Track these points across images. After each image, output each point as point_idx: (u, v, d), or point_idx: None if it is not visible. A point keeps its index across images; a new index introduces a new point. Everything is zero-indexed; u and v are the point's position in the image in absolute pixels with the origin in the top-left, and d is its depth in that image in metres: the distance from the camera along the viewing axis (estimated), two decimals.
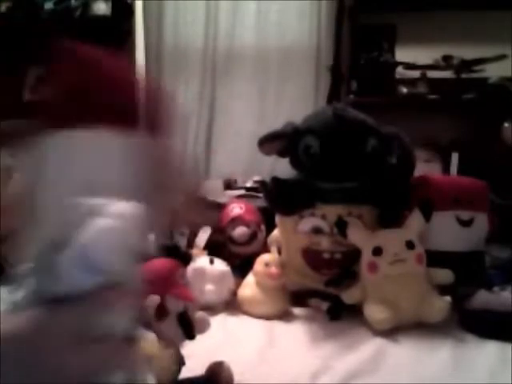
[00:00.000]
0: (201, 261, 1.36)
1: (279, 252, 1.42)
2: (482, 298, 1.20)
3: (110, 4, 2.72)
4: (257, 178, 2.40)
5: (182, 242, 1.51)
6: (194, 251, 1.43)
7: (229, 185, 2.56)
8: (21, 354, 0.45)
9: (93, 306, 0.48)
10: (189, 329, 0.87)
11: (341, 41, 2.68)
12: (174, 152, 0.66)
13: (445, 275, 1.26)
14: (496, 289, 1.23)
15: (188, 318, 0.88)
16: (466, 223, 1.34)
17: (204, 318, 0.92)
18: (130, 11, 2.83)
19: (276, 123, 1.43)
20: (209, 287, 1.31)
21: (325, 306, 1.30)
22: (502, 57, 2.39)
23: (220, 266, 1.36)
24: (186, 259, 1.34)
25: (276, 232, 1.48)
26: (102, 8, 2.72)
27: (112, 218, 0.49)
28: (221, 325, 1.21)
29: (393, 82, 2.59)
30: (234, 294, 1.36)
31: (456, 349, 1.10)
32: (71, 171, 0.55)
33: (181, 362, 0.88)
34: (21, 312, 0.47)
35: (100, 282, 0.47)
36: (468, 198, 1.35)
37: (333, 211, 1.30)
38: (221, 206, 1.66)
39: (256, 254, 1.38)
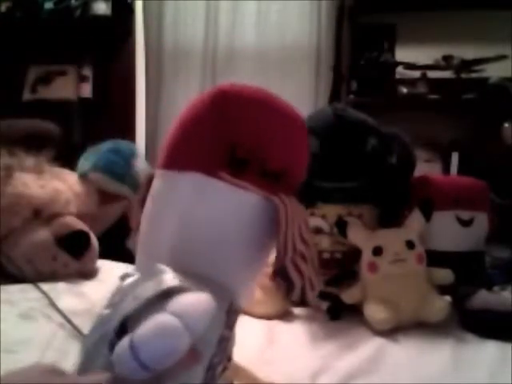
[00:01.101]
0: None
1: None
2: (482, 298, 1.20)
3: (109, 4, 2.72)
4: None
5: None
6: None
7: None
8: None
9: None
10: None
11: (341, 41, 2.69)
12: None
13: (445, 275, 1.26)
14: (496, 289, 1.23)
15: None
16: (466, 223, 1.34)
17: None
18: (130, 11, 2.84)
19: None
20: None
21: (325, 305, 1.30)
22: (502, 57, 2.39)
23: None
24: None
25: None
26: (101, 8, 2.73)
27: (174, 315, 0.47)
28: None
29: (393, 82, 2.60)
30: None
31: (456, 349, 1.10)
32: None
33: None
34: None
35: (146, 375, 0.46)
36: (468, 198, 1.35)
37: (333, 211, 1.30)
38: None
39: None
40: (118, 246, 1.37)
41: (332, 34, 2.70)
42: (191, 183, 0.57)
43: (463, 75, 2.49)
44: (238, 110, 0.60)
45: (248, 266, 0.61)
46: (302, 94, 2.75)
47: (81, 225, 1.28)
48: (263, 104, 0.61)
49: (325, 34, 2.71)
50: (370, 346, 1.11)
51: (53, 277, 1.22)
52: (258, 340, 1.15)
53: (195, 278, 0.52)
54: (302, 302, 0.68)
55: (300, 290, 0.64)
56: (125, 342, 0.46)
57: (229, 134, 0.59)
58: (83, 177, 1.38)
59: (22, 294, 1.12)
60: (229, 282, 0.58)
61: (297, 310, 1.33)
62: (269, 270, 1.31)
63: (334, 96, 2.65)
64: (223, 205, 0.58)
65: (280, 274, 0.62)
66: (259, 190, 0.59)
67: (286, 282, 0.62)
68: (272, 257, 1.35)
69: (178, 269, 0.53)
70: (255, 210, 0.60)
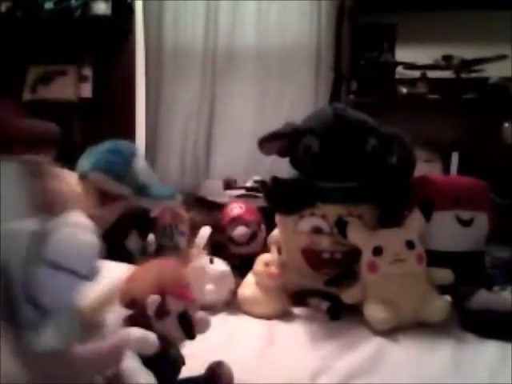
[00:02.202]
0: (201, 261, 1.36)
1: (279, 252, 1.42)
2: (482, 298, 1.20)
3: (109, 4, 2.72)
4: (257, 178, 2.41)
5: (182, 242, 1.51)
6: (194, 251, 1.43)
7: (229, 185, 2.56)
8: None
9: None
10: (189, 329, 0.88)
11: (341, 41, 2.68)
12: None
13: (445, 275, 1.26)
14: (496, 289, 1.23)
15: (188, 318, 0.88)
16: (466, 223, 1.34)
17: (204, 317, 0.92)
18: (130, 11, 2.83)
19: (276, 123, 1.43)
20: (209, 287, 1.31)
21: (325, 305, 1.30)
22: (502, 57, 2.39)
23: (220, 265, 1.36)
24: (185, 259, 1.35)
25: (276, 232, 1.48)
26: (101, 8, 2.72)
27: (70, 227, 0.49)
28: (221, 325, 1.21)
29: (393, 82, 2.59)
30: (234, 293, 1.36)
31: (456, 349, 1.10)
32: None
33: (181, 361, 0.88)
34: None
35: (77, 283, 0.47)
36: (468, 198, 1.35)
37: (333, 211, 1.30)
38: (221, 206, 1.66)
39: (256, 254, 1.39)
40: (117, 246, 1.37)
41: (332, 34, 2.69)
42: None
43: (463, 75, 2.49)
44: None
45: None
46: (301, 94, 2.74)
47: None
48: None
49: (325, 33, 2.71)
50: (369, 345, 1.11)
51: None
52: (258, 340, 1.15)
53: None
54: None
55: None
56: (40, 265, 0.47)
57: None
58: (83, 177, 1.38)
59: None
60: None
61: (297, 310, 1.34)
62: (269, 269, 1.31)
63: (334, 96, 2.65)
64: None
65: None
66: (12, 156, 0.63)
67: None
68: (265, 256, 1.35)
69: None
70: (18, 176, 0.62)
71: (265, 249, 1.47)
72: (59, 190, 0.69)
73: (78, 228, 0.50)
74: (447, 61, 2.49)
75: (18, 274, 0.47)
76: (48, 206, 0.66)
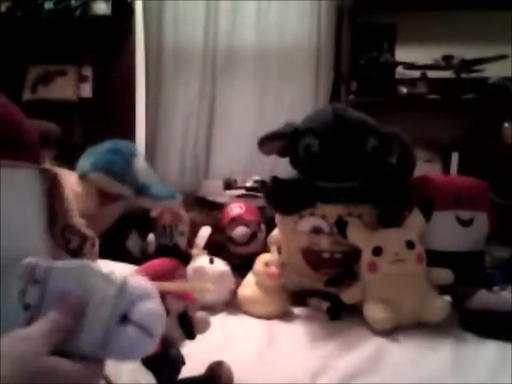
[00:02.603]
0: (201, 261, 1.36)
1: (279, 252, 1.42)
2: (482, 298, 1.20)
3: (109, 4, 2.72)
4: (257, 178, 2.41)
5: (182, 242, 1.51)
6: (194, 251, 1.43)
7: (229, 185, 2.56)
8: None
9: None
10: (189, 329, 0.87)
11: (341, 41, 2.69)
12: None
13: (445, 275, 1.26)
14: (496, 289, 1.23)
15: (188, 318, 0.88)
16: (466, 223, 1.34)
17: (204, 317, 0.92)
18: (130, 11, 2.83)
19: (276, 123, 1.43)
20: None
21: (325, 305, 1.30)
22: (502, 57, 2.39)
23: (220, 265, 1.36)
24: (185, 259, 1.34)
25: (276, 232, 1.48)
26: (101, 8, 2.73)
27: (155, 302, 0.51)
28: (221, 325, 1.21)
29: (393, 82, 2.60)
30: (234, 293, 1.36)
31: (456, 349, 1.10)
32: None
33: (181, 361, 0.88)
34: None
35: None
36: (468, 198, 1.35)
37: (333, 211, 1.30)
38: (221, 206, 1.66)
39: (256, 254, 1.38)
40: (117, 246, 1.37)
41: (332, 34, 2.70)
42: None
43: (463, 75, 2.49)
44: None
45: (40, 237, 0.63)
46: (301, 94, 2.75)
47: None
48: None
49: (325, 33, 2.71)
50: (369, 345, 1.11)
51: None
52: (258, 340, 1.15)
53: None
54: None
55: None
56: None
57: None
58: (83, 177, 1.38)
59: None
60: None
61: (297, 310, 1.34)
62: (269, 269, 1.31)
63: (334, 96, 2.65)
64: (11, 189, 0.58)
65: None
66: (31, 164, 0.62)
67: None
68: (265, 256, 1.35)
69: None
70: (36, 185, 0.63)
71: (265, 249, 1.47)
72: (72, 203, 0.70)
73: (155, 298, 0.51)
74: (447, 61, 2.49)
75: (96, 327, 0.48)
76: (60, 217, 0.66)
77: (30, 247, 0.55)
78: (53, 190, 0.65)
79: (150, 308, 0.50)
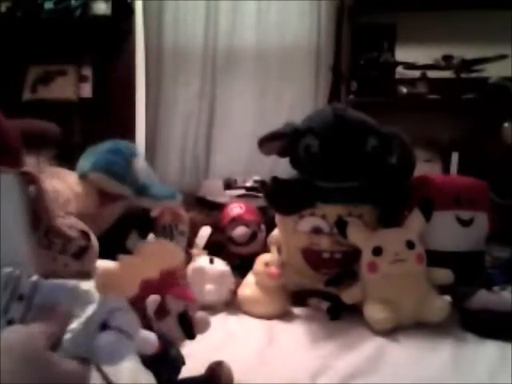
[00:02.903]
0: (201, 261, 1.36)
1: (279, 252, 1.42)
2: (482, 298, 1.20)
3: (109, 4, 2.72)
4: (257, 178, 2.41)
5: (182, 242, 1.51)
6: (194, 251, 1.43)
7: (229, 185, 2.57)
8: None
9: None
10: (189, 329, 0.87)
11: (341, 41, 2.69)
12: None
13: (445, 275, 1.26)
14: (496, 289, 1.23)
15: (188, 318, 0.88)
16: (466, 223, 1.34)
17: (204, 317, 0.92)
18: (130, 11, 2.84)
19: (276, 123, 1.43)
20: (209, 287, 1.31)
21: (325, 305, 1.30)
22: (502, 57, 2.39)
23: (220, 265, 1.36)
24: (185, 259, 1.34)
25: (276, 232, 1.48)
26: (101, 8, 2.73)
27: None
28: (221, 325, 1.21)
29: (393, 82, 2.60)
30: (234, 293, 1.36)
31: (456, 349, 1.10)
32: None
33: (181, 361, 0.88)
34: None
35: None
36: (468, 198, 1.35)
37: (333, 211, 1.30)
38: (221, 206, 1.66)
39: (256, 254, 1.38)
40: (117, 246, 1.37)
41: (332, 34, 2.70)
42: None
43: (463, 75, 2.50)
44: None
45: (23, 241, 0.64)
46: (301, 93, 2.75)
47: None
48: None
49: (325, 33, 2.71)
50: (369, 345, 1.11)
51: (53, 277, 1.22)
52: (258, 340, 1.15)
53: None
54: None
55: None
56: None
57: None
58: (83, 177, 1.38)
59: None
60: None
61: (297, 310, 1.34)
62: (269, 269, 1.31)
63: (334, 96, 2.65)
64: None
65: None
66: (11, 168, 0.63)
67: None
68: (265, 256, 1.35)
69: None
70: (17, 188, 0.63)
71: (265, 249, 1.46)
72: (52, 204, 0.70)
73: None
74: (447, 61, 2.49)
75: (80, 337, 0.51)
76: (43, 219, 0.67)
77: (13, 250, 0.55)
78: (35, 193, 0.65)
79: (128, 315, 0.54)
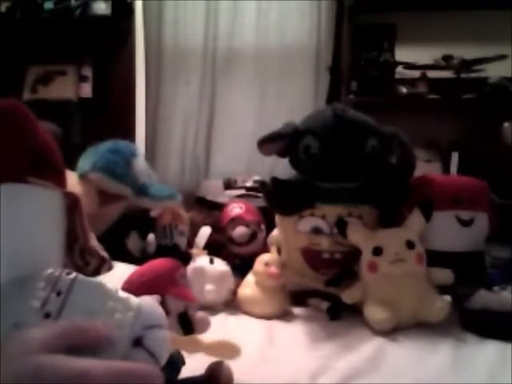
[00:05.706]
0: (201, 261, 1.36)
1: (279, 252, 1.42)
2: (482, 298, 1.20)
3: (109, 4, 2.73)
4: (257, 178, 2.41)
5: (182, 242, 1.51)
6: (194, 251, 1.43)
7: (229, 185, 2.57)
8: None
9: None
10: (189, 329, 0.87)
11: (341, 41, 2.69)
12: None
13: (445, 275, 1.26)
14: (496, 289, 1.23)
15: (188, 318, 0.88)
16: (467, 223, 1.34)
17: (204, 317, 0.91)
18: (129, 11, 2.84)
19: (276, 123, 1.43)
20: (209, 287, 1.31)
21: (325, 305, 1.30)
22: (502, 57, 2.39)
23: (220, 265, 1.36)
24: (185, 259, 1.34)
25: (276, 232, 1.48)
26: (101, 8, 2.73)
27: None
28: (221, 325, 1.21)
29: (393, 82, 2.60)
30: (234, 293, 1.36)
31: (456, 349, 1.10)
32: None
33: (181, 361, 0.88)
34: None
35: None
36: (468, 198, 1.35)
37: (333, 211, 1.30)
38: (221, 206, 1.66)
39: (256, 254, 1.38)
40: (117, 246, 1.37)
41: (332, 34, 2.70)
42: (5, 194, 0.58)
43: (463, 75, 2.50)
44: (25, 121, 0.70)
45: (60, 255, 0.64)
46: (301, 94, 2.75)
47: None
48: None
49: (324, 33, 2.71)
50: (369, 346, 1.11)
51: None
52: (258, 340, 1.15)
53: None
54: None
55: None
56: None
57: (24, 141, 0.65)
58: (83, 177, 1.38)
59: None
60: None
61: (297, 310, 1.34)
62: (269, 269, 1.31)
63: (333, 96, 2.65)
64: (39, 207, 0.60)
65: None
66: (57, 187, 0.64)
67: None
68: (265, 256, 1.35)
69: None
70: (60, 206, 0.64)
71: (265, 249, 1.47)
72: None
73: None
74: (447, 61, 2.49)
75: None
76: (80, 240, 0.68)
77: (51, 263, 0.56)
78: (74, 214, 0.66)
79: (161, 337, 0.53)
